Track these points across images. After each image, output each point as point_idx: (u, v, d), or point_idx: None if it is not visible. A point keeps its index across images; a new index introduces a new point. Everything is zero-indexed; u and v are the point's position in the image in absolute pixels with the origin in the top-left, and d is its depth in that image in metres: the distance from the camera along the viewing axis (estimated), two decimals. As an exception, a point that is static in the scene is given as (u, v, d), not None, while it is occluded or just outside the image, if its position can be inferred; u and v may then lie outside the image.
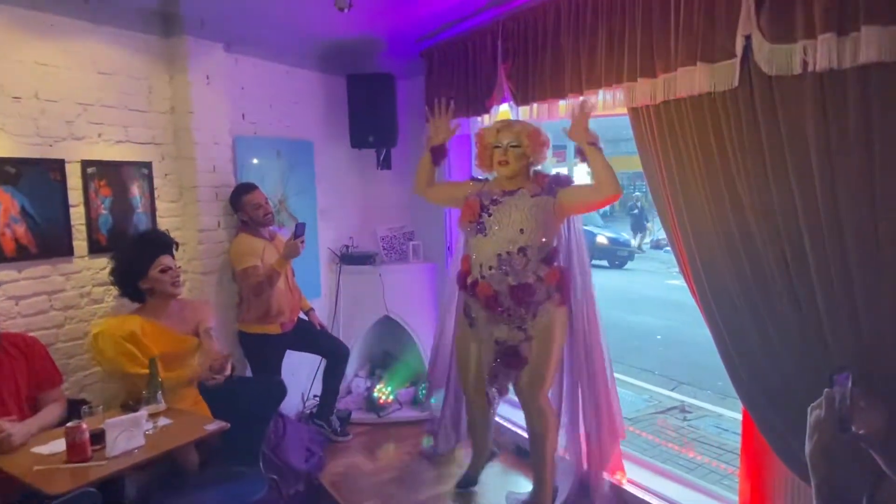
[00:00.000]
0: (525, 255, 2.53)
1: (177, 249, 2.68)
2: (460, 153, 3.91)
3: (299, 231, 3.03)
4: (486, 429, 3.05)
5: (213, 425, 2.21)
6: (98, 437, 2.01)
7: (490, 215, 2.61)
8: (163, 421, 2.24)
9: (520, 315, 2.59)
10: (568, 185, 2.60)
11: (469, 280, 2.68)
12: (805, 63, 1.71)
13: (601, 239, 12.10)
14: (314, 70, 3.87)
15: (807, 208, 1.80)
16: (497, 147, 2.65)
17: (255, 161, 3.48)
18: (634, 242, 14.01)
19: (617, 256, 12.19)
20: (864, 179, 1.67)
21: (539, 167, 2.75)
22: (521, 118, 2.96)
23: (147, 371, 2.32)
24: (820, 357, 1.89)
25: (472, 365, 2.80)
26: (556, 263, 2.63)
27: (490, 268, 2.58)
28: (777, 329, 1.99)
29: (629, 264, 12.24)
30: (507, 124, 2.68)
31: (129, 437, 2.02)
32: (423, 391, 3.97)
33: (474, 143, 2.94)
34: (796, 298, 1.90)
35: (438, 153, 2.86)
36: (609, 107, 2.47)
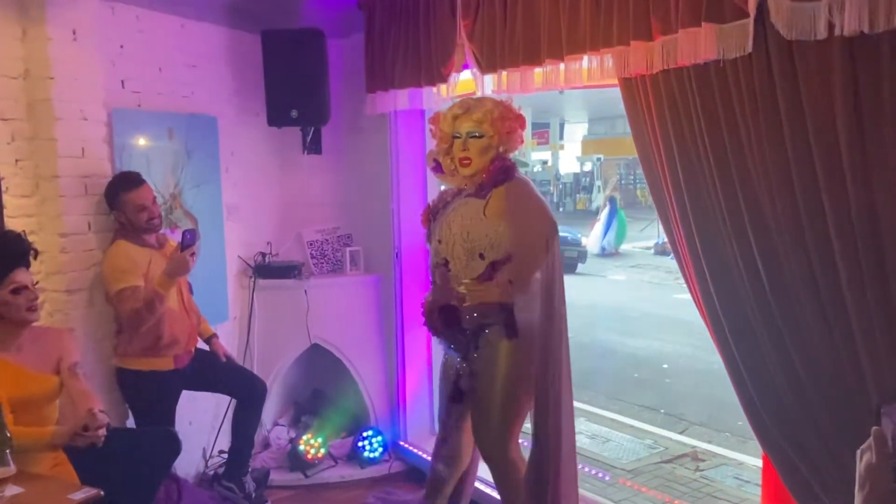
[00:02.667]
0: (447, 270, 2.63)
1: (35, 258, 2.60)
2: (410, 133, 3.94)
3: (188, 240, 2.98)
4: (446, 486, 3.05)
5: (81, 494, 2.16)
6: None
7: (434, 220, 2.72)
8: (11, 489, 2.17)
9: (460, 343, 2.67)
10: (505, 181, 2.58)
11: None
12: (831, 25, 1.78)
13: None
14: (218, 24, 3.83)
15: (835, 203, 1.88)
16: (456, 137, 2.67)
17: (139, 142, 3.42)
18: (589, 243, 14.19)
19: (567, 258, 12.26)
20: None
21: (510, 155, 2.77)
22: (486, 90, 3.00)
23: (-13, 423, 2.24)
24: (854, 388, 1.97)
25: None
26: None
27: (433, 283, 2.72)
28: (802, 355, 2.06)
29: (599, 272, 12.43)
30: (466, 107, 2.69)
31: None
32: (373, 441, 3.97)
33: (428, 125, 2.96)
34: (824, 316, 1.98)
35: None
36: (596, 76, 2.51)
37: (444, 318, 2.65)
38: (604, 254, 14.89)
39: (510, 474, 2.73)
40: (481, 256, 2.58)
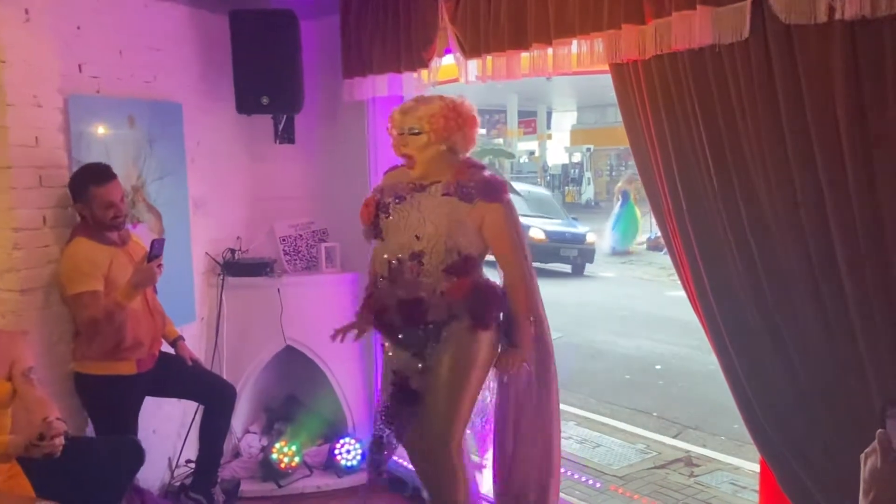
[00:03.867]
0: (420, 263, 2.68)
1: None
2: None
3: (156, 250, 2.96)
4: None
5: (36, 508, 2.12)
6: None
7: (388, 216, 2.76)
8: (-41, 505, 2.13)
9: (418, 339, 2.73)
10: (496, 200, 2.70)
11: (366, 292, 2.88)
12: (831, 9, 1.80)
13: (535, 233, 11.92)
14: (183, 3, 3.78)
15: (835, 194, 1.90)
16: (401, 134, 2.76)
17: (98, 131, 3.38)
18: (601, 241, 13.99)
19: (563, 257, 12.15)
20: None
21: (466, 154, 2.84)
22: (470, 75, 3.02)
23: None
24: (857, 391, 1.99)
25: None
26: (469, 277, 2.73)
27: (382, 278, 2.78)
28: (802, 356, 2.08)
29: (589, 269, 12.36)
30: (413, 104, 2.77)
31: None
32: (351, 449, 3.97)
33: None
34: (825, 316, 2.00)
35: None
36: (586, 62, 2.53)
37: (407, 313, 2.71)
38: (613, 253, 14.60)
39: (448, 478, 2.77)
40: (458, 253, 2.70)
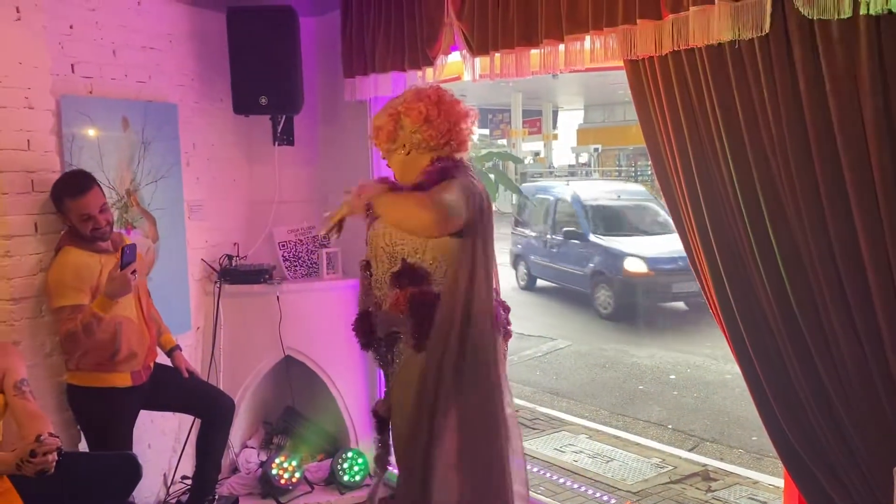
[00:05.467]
0: (369, 274, 2.61)
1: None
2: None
3: (127, 257, 2.93)
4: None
5: (30, 526, 2.13)
6: None
7: (370, 228, 2.64)
8: (-50, 523, 2.14)
9: (380, 355, 2.67)
10: (441, 181, 2.37)
11: None
12: (856, 2, 1.81)
13: (633, 266, 9.24)
14: (179, 1, 3.81)
15: (861, 197, 1.91)
16: None
17: (90, 133, 3.40)
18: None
19: (677, 295, 9.28)
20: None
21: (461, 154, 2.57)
22: (476, 73, 3.03)
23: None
24: (887, 406, 1.99)
25: None
26: (414, 288, 2.44)
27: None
28: (829, 368, 2.09)
29: None
30: (374, 120, 2.64)
31: None
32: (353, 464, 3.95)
33: None
34: (853, 326, 2.01)
35: None
36: (599, 58, 2.54)
37: (356, 327, 2.68)
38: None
39: None
40: (403, 262, 2.49)
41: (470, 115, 2.54)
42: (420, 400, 2.42)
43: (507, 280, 10.71)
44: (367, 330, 2.64)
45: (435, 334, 2.40)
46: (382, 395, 2.83)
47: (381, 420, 2.70)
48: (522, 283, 11.94)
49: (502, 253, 10.70)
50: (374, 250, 2.58)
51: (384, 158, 2.65)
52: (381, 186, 2.51)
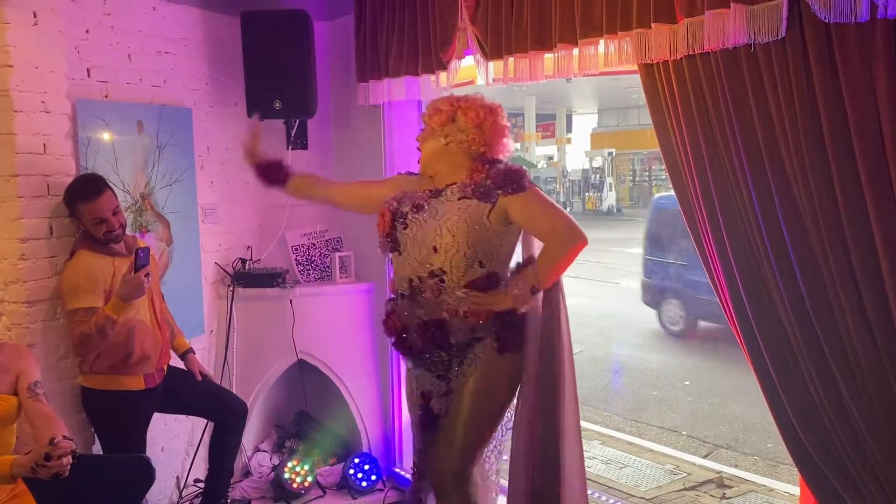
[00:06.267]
0: (440, 282, 2.58)
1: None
2: (405, 126, 3.94)
3: (141, 260, 2.96)
4: None
5: (43, 528, 2.14)
6: None
7: (406, 227, 2.63)
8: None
9: (440, 360, 2.66)
10: (519, 190, 2.54)
11: (388, 307, 2.79)
12: (874, 6, 1.80)
13: None
14: (193, 6, 3.84)
15: (879, 203, 1.89)
16: None
17: (105, 136, 3.42)
18: None
19: None
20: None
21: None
22: (490, 77, 3.03)
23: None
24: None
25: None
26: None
27: (402, 296, 2.67)
28: (846, 373, 2.07)
29: (613, 278, 10.32)
30: (431, 102, 2.74)
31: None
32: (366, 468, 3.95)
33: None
34: (870, 330, 1.99)
35: (268, 174, 3.06)
36: (613, 62, 2.53)
37: (430, 335, 2.62)
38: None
39: None
40: (481, 265, 2.58)
41: (511, 137, 2.73)
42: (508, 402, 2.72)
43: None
44: (439, 338, 2.61)
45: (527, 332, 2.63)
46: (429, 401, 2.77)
47: (436, 417, 2.69)
48: (675, 327, 8.98)
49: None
50: (449, 258, 2.57)
51: (421, 140, 2.71)
52: (532, 275, 2.57)
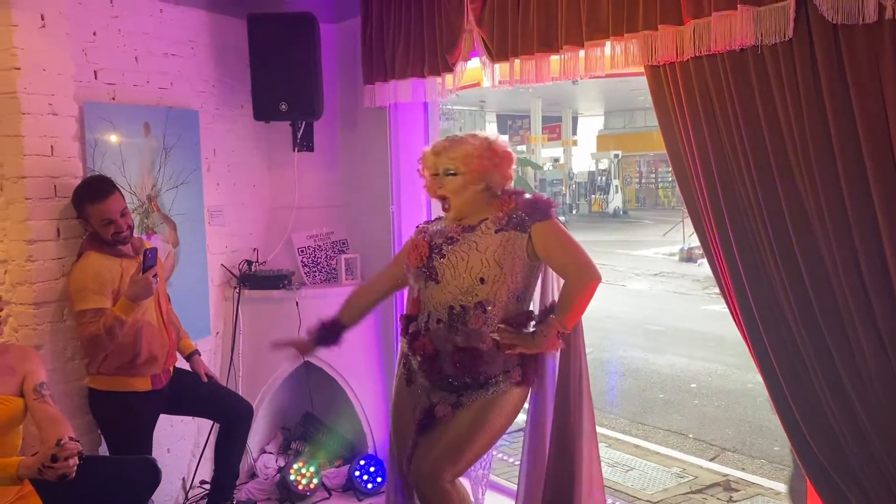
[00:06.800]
0: (484, 312, 2.64)
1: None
2: (411, 129, 3.95)
3: (149, 261, 2.97)
4: None
5: (50, 529, 2.14)
6: None
7: (443, 257, 2.69)
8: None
9: (464, 383, 2.70)
10: (545, 218, 2.65)
11: (412, 328, 2.80)
12: (881, 7, 1.80)
13: None
14: (200, 8, 3.85)
15: (886, 204, 1.89)
16: (435, 175, 2.75)
17: (112, 138, 3.43)
18: None
19: None
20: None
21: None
22: (496, 79, 3.03)
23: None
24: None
25: (407, 438, 2.86)
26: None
27: (438, 321, 2.70)
28: (853, 375, 2.06)
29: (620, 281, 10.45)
30: (447, 145, 2.75)
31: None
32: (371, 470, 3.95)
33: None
34: (877, 333, 1.99)
35: (328, 338, 3.05)
36: (619, 64, 2.54)
37: (463, 363, 2.66)
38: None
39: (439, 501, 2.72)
40: (518, 299, 2.70)
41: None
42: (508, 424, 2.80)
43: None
44: (472, 366, 2.66)
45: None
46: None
47: (433, 419, 2.74)
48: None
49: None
50: (494, 290, 2.65)
51: (443, 189, 2.72)
52: (556, 320, 2.64)
